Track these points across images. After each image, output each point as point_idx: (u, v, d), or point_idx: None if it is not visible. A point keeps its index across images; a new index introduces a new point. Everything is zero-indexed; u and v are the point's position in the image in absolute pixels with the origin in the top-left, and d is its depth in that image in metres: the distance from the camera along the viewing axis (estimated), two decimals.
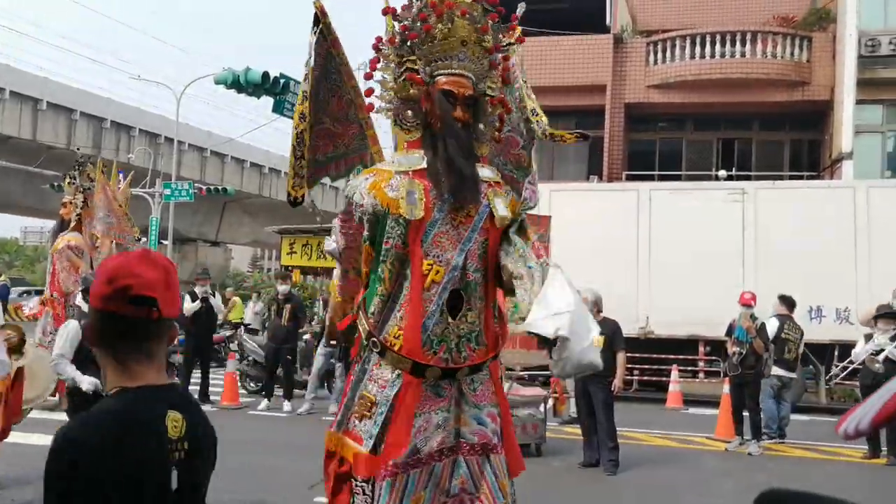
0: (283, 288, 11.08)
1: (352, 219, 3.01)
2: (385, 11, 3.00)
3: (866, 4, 15.31)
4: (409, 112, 2.93)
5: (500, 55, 3.02)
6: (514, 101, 3.20)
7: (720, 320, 9.20)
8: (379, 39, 2.96)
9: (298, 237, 22.66)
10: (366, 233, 2.88)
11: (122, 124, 31.25)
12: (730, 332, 8.44)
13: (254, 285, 32.65)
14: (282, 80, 14.70)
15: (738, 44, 16.22)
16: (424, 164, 2.86)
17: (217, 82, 14.57)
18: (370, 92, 2.99)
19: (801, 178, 16.23)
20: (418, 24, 2.88)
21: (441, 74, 2.88)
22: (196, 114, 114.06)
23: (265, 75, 14.30)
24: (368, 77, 2.99)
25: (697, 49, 16.54)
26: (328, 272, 12.36)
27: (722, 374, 10.62)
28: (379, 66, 2.95)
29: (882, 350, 7.85)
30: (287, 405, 10.22)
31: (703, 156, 18.29)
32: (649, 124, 18.58)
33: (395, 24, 2.94)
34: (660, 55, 17.12)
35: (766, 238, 11.74)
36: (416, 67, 2.90)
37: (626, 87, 17.41)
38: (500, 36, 3.03)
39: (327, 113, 3.29)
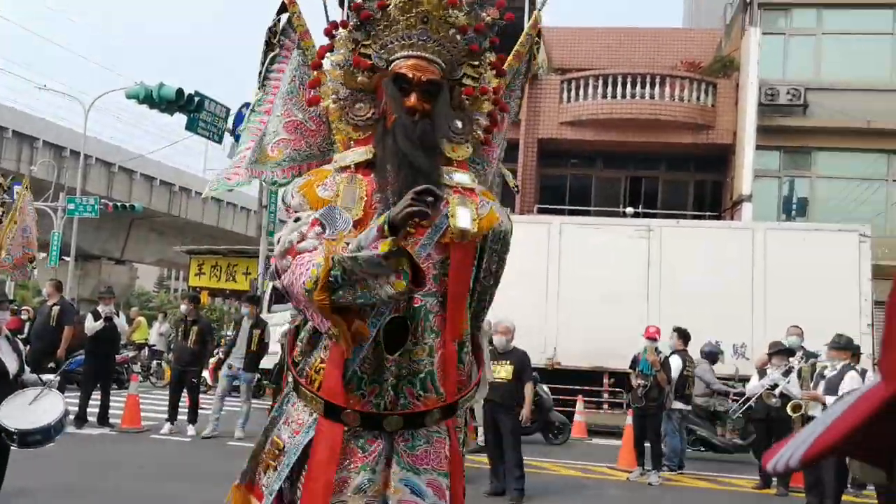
0: (185, 308, 10.78)
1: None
2: None
3: (767, 56, 16.21)
4: (360, 105, 2.45)
5: (485, 38, 2.51)
6: (511, 105, 2.76)
7: (625, 353, 9.44)
8: (333, 25, 2.52)
9: (208, 258, 22.19)
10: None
11: (25, 135, 29.94)
12: (634, 364, 8.67)
13: (160, 305, 31.66)
14: (196, 98, 14.41)
15: (647, 86, 16.86)
16: (369, 156, 2.37)
17: (129, 97, 14.18)
18: (316, 82, 2.51)
19: (703, 217, 16.92)
20: (373, 1, 2.41)
21: (398, 58, 2.39)
22: (105, 128, 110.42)
23: (179, 92, 14.00)
24: (315, 67, 2.54)
25: (609, 89, 17.10)
26: (237, 294, 12.08)
27: (625, 406, 10.88)
28: (330, 54, 2.51)
29: (777, 385, 8.21)
30: (191, 429, 9.91)
31: (612, 192, 18.88)
32: (561, 159, 19.05)
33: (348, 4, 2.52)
34: (573, 93, 17.62)
35: (670, 274, 12.15)
36: (368, 52, 2.44)
37: (540, 123, 17.83)
38: (483, 14, 2.50)
39: (299, 106, 2.74)
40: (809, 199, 16.78)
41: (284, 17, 2.77)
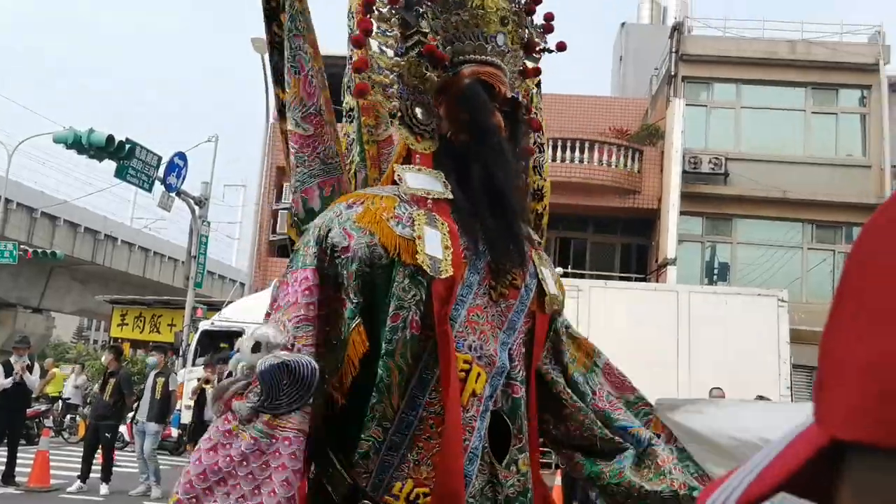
0: (106, 359, 10.42)
1: (315, 287, 1.58)
2: None
3: (690, 126, 16.92)
4: (419, 110, 1.79)
5: (530, 63, 1.98)
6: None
7: None
8: None
9: (132, 308, 21.56)
10: (353, 301, 1.57)
11: None
12: None
13: (77, 357, 30.46)
14: (128, 145, 14.17)
15: (577, 150, 17.35)
16: (449, 194, 1.70)
17: (56, 141, 13.84)
18: (363, 63, 1.80)
19: (630, 279, 17.32)
20: None
21: (469, 62, 1.76)
22: (31, 172, 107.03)
23: (110, 138, 13.75)
24: (359, 43, 1.86)
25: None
26: (160, 347, 11.70)
27: (554, 466, 10.88)
28: (373, 31, 1.83)
29: None
30: (104, 487, 9.46)
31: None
32: None
33: None
34: None
35: (597, 334, 12.24)
36: (434, 42, 1.77)
37: None
38: (539, 36, 1.96)
39: (298, 102, 1.97)
40: (731, 264, 17.37)
41: None
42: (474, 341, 1.60)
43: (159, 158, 14.95)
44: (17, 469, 9.65)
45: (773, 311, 12.48)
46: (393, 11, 1.81)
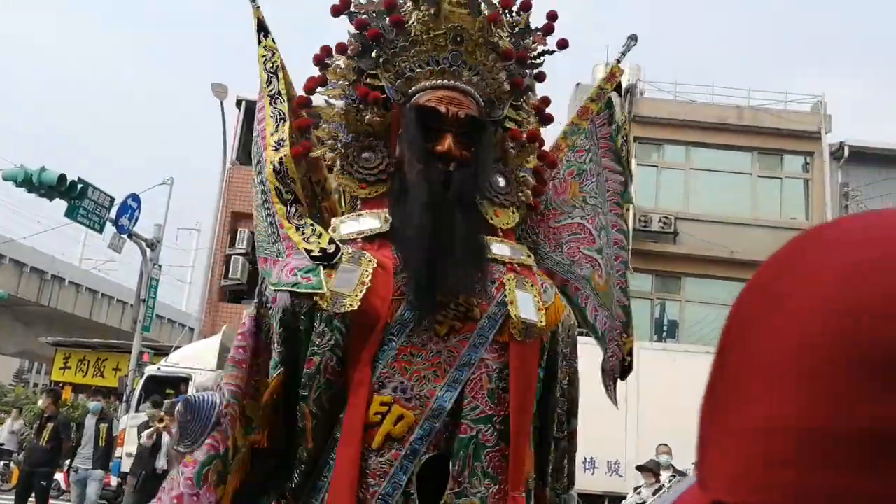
0: (43, 403, 10.10)
1: (249, 333, 1.66)
2: (336, 10, 1.85)
3: (641, 185, 17.32)
4: (368, 154, 1.78)
5: (530, 70, 1.91)
6: (588, 166, 2.05)
7: None
8: (326, 50, 1.87)
9: (76, 351, 20.98)
10: (276, 350, 1.62)
11: None
12: None
13: (15, 400, 29.40)
14: (79, 185, 13.95)
15: None
16: (386, 227, 1.69)
17: (6, 178, 13.55)
18: (304, 123, 1.84)
19: (581, 334, 17.41)
20: (384, 17, 1.80)
21: (422, 89, 1.76)
22: None
23: (62, 177, 13.52)
24: (302, 103, 1.87)
25: None
26: (103, 391, 11.40)
27: None
28: (323, 89, 1.85)
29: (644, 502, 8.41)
30: None
31: None
32: None
33: (351, 23, 1.85)
34: None
35: None
36: (377, 83, 1.79)
37: None
38: (529, 40, 1.89)
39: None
40: (679, 321, 17.65)
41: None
42: (402, 382, 1.55)
43: (112, 199, 14.76)
44: None
45: None
46: (349, 61, 1.82)
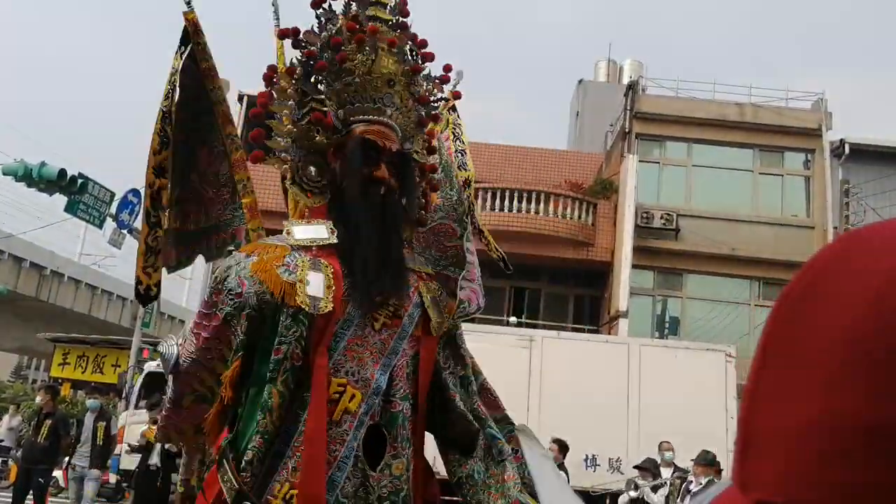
0: (41, 399, 10.00)
1: (211, 316, 1.99)
2: (282, 34, 2.21)
3: (643, 182, 17.30)
4: (312, 168, 2.12)
5: (429, 111, 2.31)
6: (448, 181, 2.45)
7: None
8: (273, 70, 2.20)
9: (74, 347, 20.89)
10: (240, 337, 1.94)
11: None
12: None
13: (13, 397, 29.38)
14: (80, 180, 13.92)
15: (532, 201, 17.55)
16: (334, 239, 2.04)
17: (5, 173, 13.53)
18: (258, 134, 2.16)
19: (582, 330, 17.44)
20: (329, 51, 2.14)
21: (359, 122, 2.11)
22: None
23: (62, 172, 13.49)
24: (257, 115, 2.17)
25: (497, 202, 17.69)
26: (103, 388, 11.35)
27: None
28: (272, 104, 2.17)
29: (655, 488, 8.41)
30: None
31: (496, 301, 19.23)
32: None
33: (298, 50, 2.19)
34: None
35: (550, 385, 12.34)
36: (324, 108, 2.12)
37: None
38: (433, 87, 2.31)
39: (194, 168, 2.44)
40: (680, 318, 17.62)
41: (186, 49, 2.39)
42: (351, 367, 1.93)
43: (112, 194, 14.71)
44: None
45: (722, 366, 12.63)
46: (293, 83, 2.14)
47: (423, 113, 2.26)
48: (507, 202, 17.66)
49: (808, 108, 18.37)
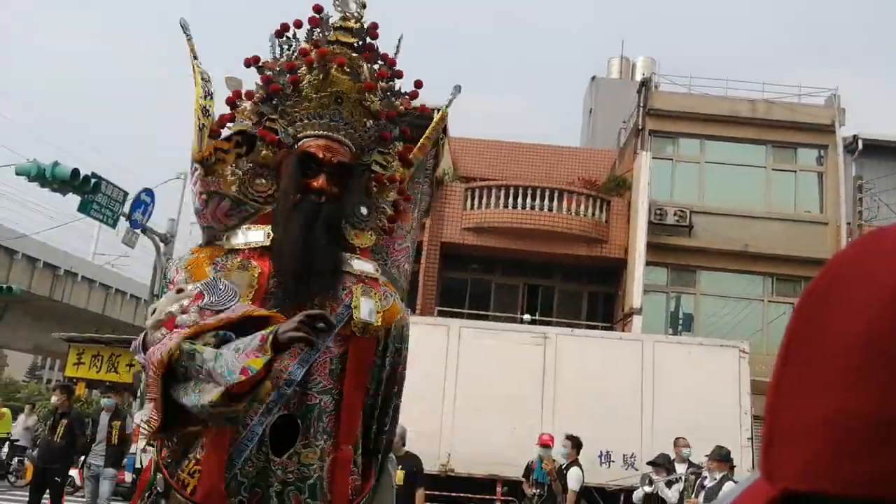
0: (56, 399, 10.00)
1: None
2: (248, 63, 2.43)
3: (656, 179, 17.23)
4: (260, 181, 2.36)
5: (395, 126, 2.49)
6: (417, 195, 2.67)
7: (518, 461, 9.37)
8: (237, 94, 2.44)
9: (89, 347, 20.97)
10: None
11: None
12: (527, 472, 8.61)
13: (28, 396, 29.58)
14: (93, 180, 13.94)
15: (546, 198, 17.52)
16: (267, 242, 2.26)
17: (18, 173, 13.55)
18: (211, 152, 2.36)
19: (596, 327, 17.39)
20: (285, 75, 2.35)
21: (307, 136, 2.33)
22: None
23: (75, 172, 13.52)
24: (213, 135, 2.38)
25: (510, 199, 17.66)
26: (117, 389, 11.38)
27: None
28: (232, 125, 2.40)
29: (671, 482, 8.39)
30: None
31: (510, 298, 19.22)
32: (463, 264, 19.35)
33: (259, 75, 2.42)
34: (476, 201, 18.12)
35: (564, 382, 12.31)
36: (274, 126, 2.35)
37: (444, 227, 18.16)
38: (396, 102, 2.49)
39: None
40: (694, 314, 17.56)
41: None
42: None
43: (125, 194, 14.75)
44: None
45: (735, 362, 12.58)
46: (255, 105, 2.37)
47: (383, 127, 2.43)
48: (520, 200, 17.63)
49: (821, 104, 18.26)
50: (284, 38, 2.45)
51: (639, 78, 23.09)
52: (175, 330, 2.00)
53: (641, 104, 17.98)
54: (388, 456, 2.53)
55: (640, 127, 17.91)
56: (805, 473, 0.43)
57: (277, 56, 2.43)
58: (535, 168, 20.19)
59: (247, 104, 2.40)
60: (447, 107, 2.88)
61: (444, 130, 2.87)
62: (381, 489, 2.43)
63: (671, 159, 18.11)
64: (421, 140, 2.76)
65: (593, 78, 29.54)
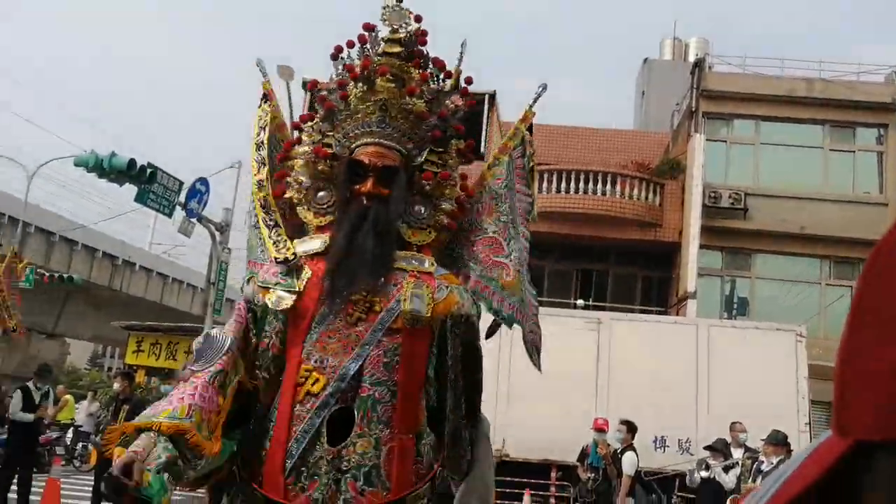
0: (118, 386, 10.25)
1: (242, 307, 2.46)
2: (309, 86, 2.75)
3: (711, 161, 16.93)
4: (322, 193, 2.52)
5: (449, 123, 2.58)
6: (503, 191, 2.67)
7: (572, 446, 9.36)
8: (304, 118, 2.67)
9: (148, 335, 21.50)
10: (251, 329, 2.40)
11: None
12: (582, 457, 8.59)
13: (90, 384, 30.48)
14: (149, 170, 14.22)
15: (599, 182, 17.36)
16: (322, 248, 2.43)
17: (77, 164, 13.85)
18: (282, 174, 2.58)
19: (650, 312, 17.21)
20: (336, 92, 2.52)
21: (358, 145, 2.47)
22: (47, 195, 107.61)
23: (132, 162, 13.78)
24: (282, 159, 2.61)
25: (563, 184, 17.54)
26: (176, 376, 11.65)
27: (572, 500, 10.73)
28: (298, 147, 2.61)
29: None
30: None
31: (564, 284, 19.11)
32: None
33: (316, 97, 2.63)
34: None
35: (618, 367, 12.23)
36: (330, 141, 2.53)
37: None
38: (448, 102, 2.60)
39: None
40: (749, 298, 17.26)
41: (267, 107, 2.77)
42: (320, 356, 2.25)
43: (181, 183, 15.01)
44: (31, 497, 9.58)
45: (792, 346, 12.36)
46: (316, 125, 2.56)
47: (433, 125, 2.54)
48: (572, 184, 17.50)
49: (881, 82, 17.70)
50: (339, 59, 2.61)
51: (692, 59, 22.68)
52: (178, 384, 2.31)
53: (695, 86, 17.65)
54: (479, 426, 2.58)
55: (693, 109, 17.59)
56: (877, 423, 0.42)
57: (334, 77, 2.60)
58: (587, 152, 19.99)
59: (310, 124, 2.61)
60: (531, 106, 2.87)
61: (530, 129, 2.88)
62: (478, 463, 2.49)
63: (725, 141, 17.77)
64: (504, 140, 2.85)
65: (645, 60, 29.11)
